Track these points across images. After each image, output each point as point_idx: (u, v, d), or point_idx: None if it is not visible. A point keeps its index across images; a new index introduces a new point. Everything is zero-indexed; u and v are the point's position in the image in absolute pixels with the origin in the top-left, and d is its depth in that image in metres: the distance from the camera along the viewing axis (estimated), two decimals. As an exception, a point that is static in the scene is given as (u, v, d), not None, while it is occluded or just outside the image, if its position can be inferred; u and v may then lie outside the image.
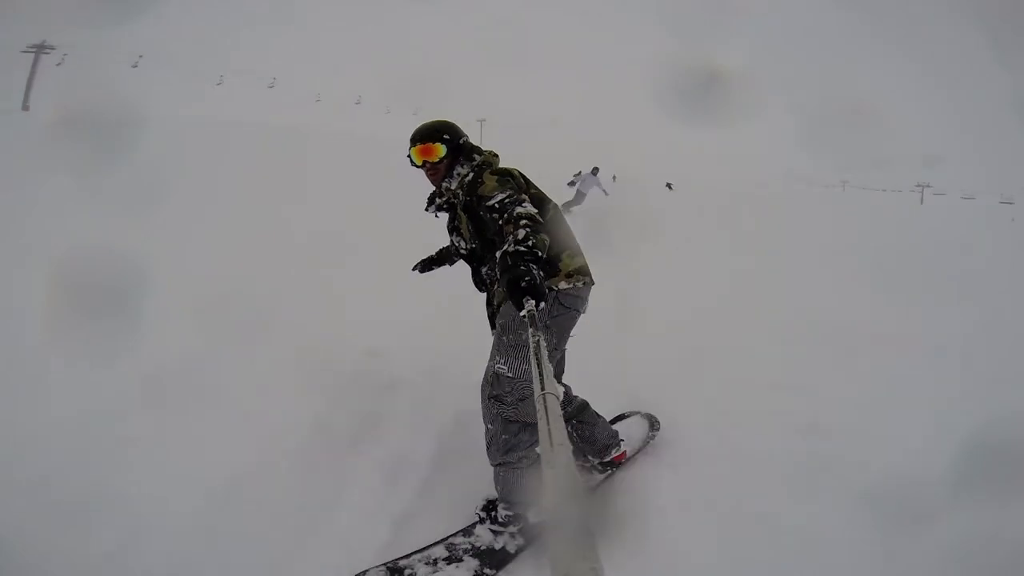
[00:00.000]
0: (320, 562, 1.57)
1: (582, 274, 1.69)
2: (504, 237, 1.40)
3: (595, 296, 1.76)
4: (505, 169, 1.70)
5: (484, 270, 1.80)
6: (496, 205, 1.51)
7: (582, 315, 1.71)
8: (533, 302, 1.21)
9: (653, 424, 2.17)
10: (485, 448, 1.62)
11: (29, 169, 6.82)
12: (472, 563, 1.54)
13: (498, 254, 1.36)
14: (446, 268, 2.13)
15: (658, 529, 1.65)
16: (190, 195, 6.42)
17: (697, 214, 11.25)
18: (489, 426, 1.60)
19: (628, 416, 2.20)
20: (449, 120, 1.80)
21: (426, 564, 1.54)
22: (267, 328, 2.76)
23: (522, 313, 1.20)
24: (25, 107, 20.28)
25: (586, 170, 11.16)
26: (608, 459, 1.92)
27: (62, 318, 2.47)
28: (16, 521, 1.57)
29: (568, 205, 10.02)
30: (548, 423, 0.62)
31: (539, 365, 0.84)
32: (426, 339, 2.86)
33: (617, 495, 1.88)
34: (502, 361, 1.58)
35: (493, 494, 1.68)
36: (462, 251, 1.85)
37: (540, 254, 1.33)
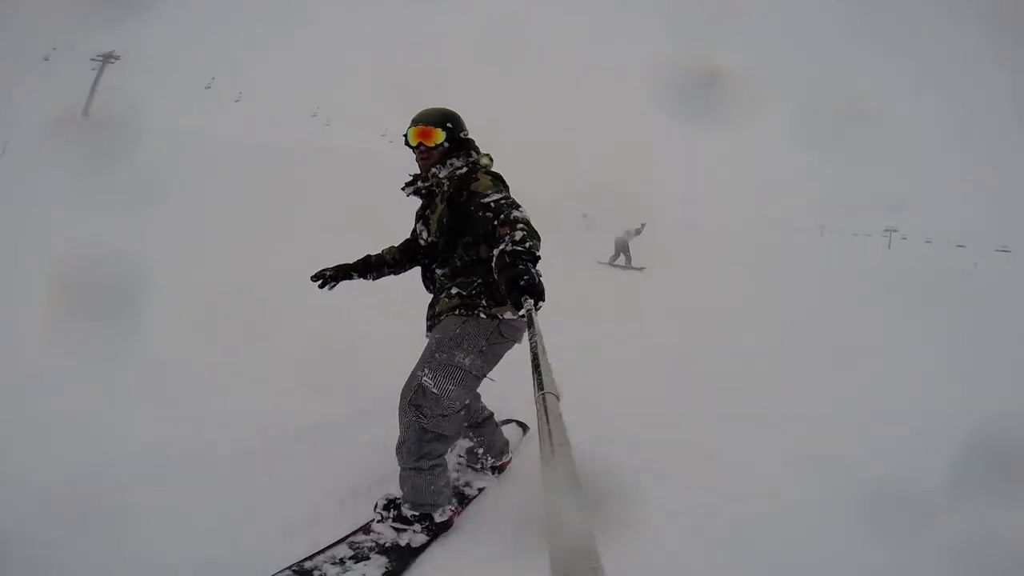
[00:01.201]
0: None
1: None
2: (499, 238, 1.39)
3: (602, 301, 1.76)
4: (499, 174, 1.70)
5: (439, 271, 1.74)
6: (492, 204, 1.50)
7: (517, 344, 1.70)
8: (531, 301, 1.20)
9: (525, 431, 2.34)
10: (395, 448, 1.62)
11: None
12: (380, 560, 1.55)
13: (495, 253, 1.35)
14: (354, 280, 1.92)
15: (658, 529, 1.65)
16: (196, 197, 6.54)
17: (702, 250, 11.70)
18: (403, 431, 1.60)
19: (505, 424, 2.31)
20: (455, 111, 1.78)
21: (333, 564, 1.53)
22: (267, 328, 2.76)
23: (520, 312, 1.19)
24: (86, 113, 21.12)
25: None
26: (499, 463, 2.04)
27: (62, 318, 2.47)
28: (16, 520, 1.57)
29: (622, 262, 10.79)
30: (548, 423, 0.62)
31: (538, 365, 0.83)
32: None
33: (617, 495, 1.88)
34: (429, 376, 1.57)
35: (392, 493, 1.69)
36: (421, 241, 1.81)
37: (538, 255, 1.33)
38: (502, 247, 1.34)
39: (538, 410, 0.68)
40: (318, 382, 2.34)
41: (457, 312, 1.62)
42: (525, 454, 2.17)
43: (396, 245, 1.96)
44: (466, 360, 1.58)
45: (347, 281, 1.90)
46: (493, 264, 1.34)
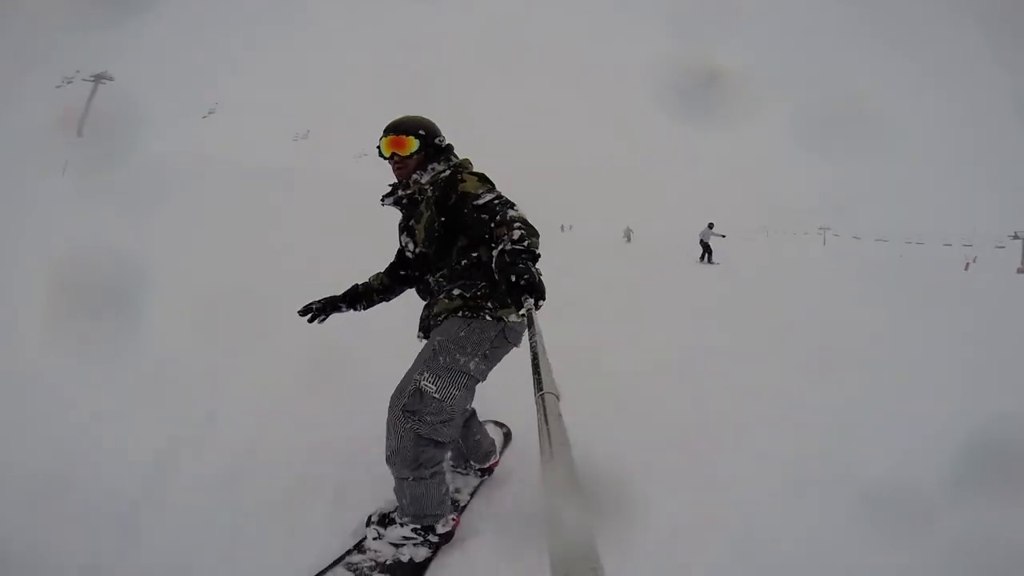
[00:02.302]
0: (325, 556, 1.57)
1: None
2: (497, 239, 1.37)
3: (602, 299, 1.77)
4: (483, 174, 1.66)
5: (433, 278, 1.69)
6: (486, 205, 1.47)
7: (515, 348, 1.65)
8: (532, 300, 1.20)
9: (507, 435, 2.27)
10: (385, 459, 1.51)
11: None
12: None
13: (494, 253, 1.34)
14: (342, 312, 1.88)
15: (657, 530, 1.65)
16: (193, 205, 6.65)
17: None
18: (395, 438, 1.48)
19: (485, 424, 2.22)
20: (429, 119, 1.74)
21: None
22: (267, 329, 2.76)
23: (521, 312, 1.18)
24: (80, 134, 21.22)
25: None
26: (487, 465, 1.97)
27: (62, 318, 2.47)
28: (16, 520, 1.57)
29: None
30: (547, 423, 0.62)
31: (538, 365, 0.83)
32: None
33: (616, 495, 1.88)
34: (430, 379, 1.48)
35: (382, 507, 1.62)
36: (408, 254, 1.76)
37: (538, 253, 1.33)
38: (501, 247, 1.32)
39: (538, 410, 0.68)
40: (318, 383, 2.34)
41: (460, 313, 1.56)
42: (525, 455, 2.17)
43: (382, 271, 1.91)
44: (470, 363, 1.52)
45: (337, 314, 1.85)
46: (493, 264, 1.32)
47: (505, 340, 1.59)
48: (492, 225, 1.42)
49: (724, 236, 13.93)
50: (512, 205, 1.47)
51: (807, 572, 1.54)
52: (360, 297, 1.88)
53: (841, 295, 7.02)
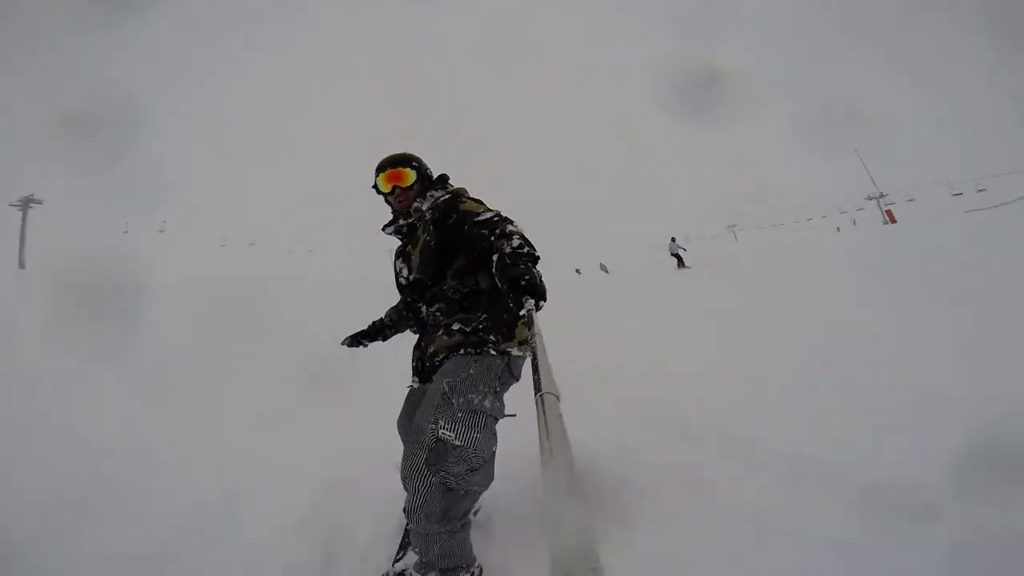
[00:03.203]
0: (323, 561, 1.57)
1: (527, 344, 1.54)
2: (496, 249, 1.39)
3: (597, 297, 1.79)
4: (481, 201, 1.68)
5: (430, 308, 1.64)
6: (485, 221, 1.50)
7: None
8: (532, 301, 1.20)
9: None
10: (405, 512, 1.38)
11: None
12: None
13: (495, 258, 1.35)
14: (378, 342, 1.93)
15: (657, 530, 1.65)
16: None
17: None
18: (418, 495, 1.35)
19: None
20: (413, 153, 1.78)
21: None
22: (268, 330, 2.76)
23: (521, 312, 1.19)
24: (21, 265, 19.41)
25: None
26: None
27: (63, 319, 2.47)
28: (17, 520, 1.57)
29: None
30: (548, 422, 0.62)
31: (538, 365, 0.83)
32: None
33: (617, 496, 1.88)
34: (447, 426, 1.36)
35: (397, 568, 1.53)
36: (402, 280, 1.75)
37: (537, 255, 1.34)
38: (501, 251, 1.34)
39: (538, 410, 0.68)
40: (321, 386, 2.34)
41: (462, 351, 1.50)
42: (525, 455, 2.16)
43: (392, 307, 1.93)
44: (485, 402, 1.42)
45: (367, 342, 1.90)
46: (494, 267, 1.34)
47: (510, 375, 1.53)
48: (492, 239, 1.43)
49: (685, 250, 16.19)
50: (511, 221, 1.49)
51: (807, 572, 1.54)
52: (379, 331, 1.91)
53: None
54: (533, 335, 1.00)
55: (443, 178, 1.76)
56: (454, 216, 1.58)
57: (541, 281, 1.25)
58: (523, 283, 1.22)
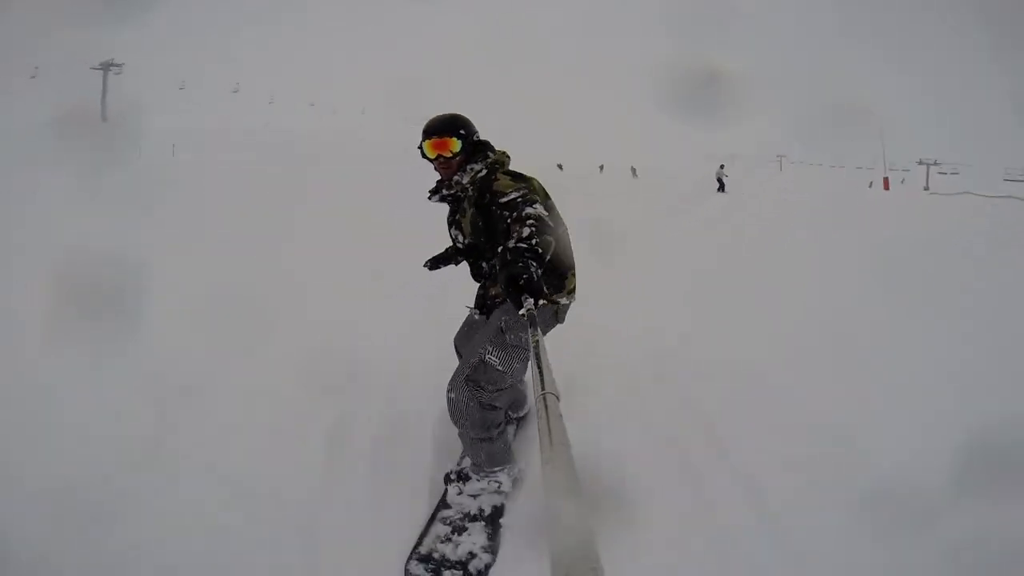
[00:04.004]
0: (329, 562, 1.57)
1: (574, 292, 1.84)
2: (509, 234, 1.40)
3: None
4: (520, 173, 1.72)
5: (487, 264, 1.82)
6: (508, 202, 1.52)
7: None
8: (532, 300, 1.20)
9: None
10: (452, 422, 1.76)
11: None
12: (477, 526, 1.70)
13: (499, 250, 1.36)
14: (451, 266, 2.10)
15: (657, 530, 1.65)
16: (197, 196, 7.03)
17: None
18: (461, 405, 1.71)
19: None
20: (463, 115, 1.80)
21: (443, 542, 1.65)
22: (269, 329, 2.76)
23: (521, 312, 1.19)
24: (104, 118, 22.71)
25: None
26: (521, 414, 2.26)
27: (63, 319, 2.47)
28: (18, 521, 1.57)
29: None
30: (548, 422, 0.62)
31: (539, 364, 0.84)
32: (426, 338, 2.86)
33: (617, 495, 1.88)
34: (495, 353, 1.69)
35: (455, 467, 1.87)
36: (459, 244, 1.87)
37: (541, 252, 1.33)
38: (507, 244, 1.34)
39: (538, 410, 0.68)
40: (324, 381, 2.34)
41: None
42: (525, 455, 2.17)
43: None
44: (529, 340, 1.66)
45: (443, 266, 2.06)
46: (497, 260, 1.35)
47: (556, 319, 1.80)
48: (508, 221, 1.46)
49: (727, 176, 18.09)
50: (532, 203, 1.49)
51: (807, 572, 1.54)
52: (451, 258, 2.04)
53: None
54: (534, 335, 1.00)
55: (484, 147, 1.78)
56: (488, 196, 1.63)
57: (540, 280, 1.25)
58: (521, 283, 1.22)
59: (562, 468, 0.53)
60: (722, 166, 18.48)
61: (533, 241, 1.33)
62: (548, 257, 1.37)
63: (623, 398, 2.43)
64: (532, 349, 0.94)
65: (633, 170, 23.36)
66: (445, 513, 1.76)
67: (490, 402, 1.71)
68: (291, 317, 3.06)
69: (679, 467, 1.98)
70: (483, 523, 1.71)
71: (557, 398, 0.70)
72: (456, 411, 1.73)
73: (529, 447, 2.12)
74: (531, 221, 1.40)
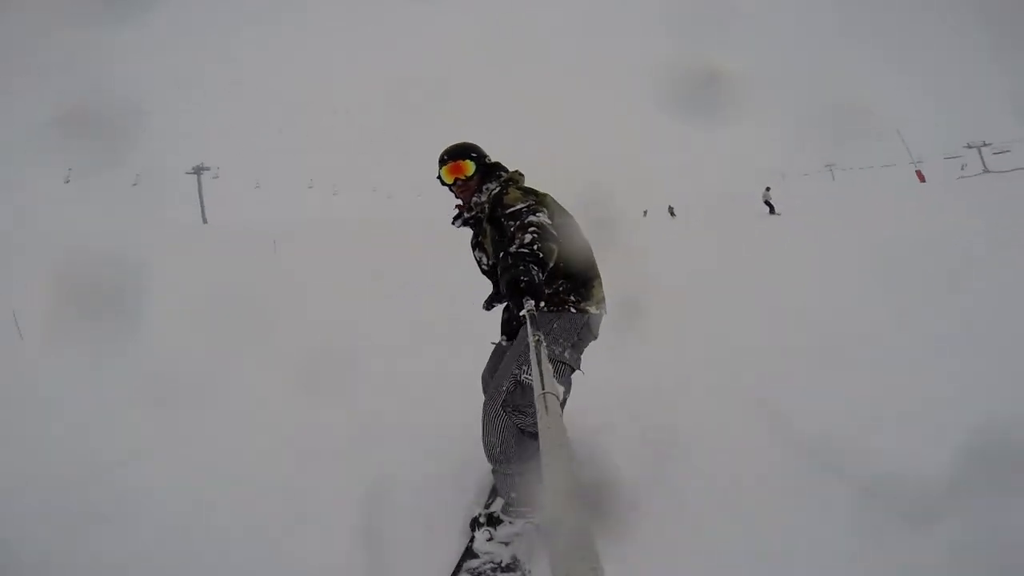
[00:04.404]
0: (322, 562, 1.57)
1: (604, 303, 1.77)
2: (511, 241, 1.41)
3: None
4: (532, 189, 1.74)
5: None
6: (513, 211, 1.56)
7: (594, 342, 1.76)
8: (532, 302, 1.21)
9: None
10: (487, 457, 1.58)
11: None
12: None
13: (501, 255, 1.37)
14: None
15: (657, 530, 1.65)
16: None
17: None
18: (496, 436, 1.55)
19: None
20: (471, 142, 1.88)
21: None
22: (269, 328, 2.76)
23: (521, 313, 1.20)
24: (204, 220, 24.22)
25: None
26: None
27: (63, 319, 2.47)
28: (18, 521, 1.57)
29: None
30: (548, 422, 0.62)
31: (539, 364, 0.84)
32: (427, 340, 2.86)
33: (616, 497, 1.88)
34: (529, 372, 1.54)
35: (485, 510, 1.66)
36: (483, 267, 1.88)
37: (543, 257, 1.34)
38: (509, 249, 1.36)
39: (538, 410, 0.68)
40: (321, 384, 2.34)
41: (546, 309, 1.66)
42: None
43: None
44: (565, 353, 1.63)
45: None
46: (499, 265, 1.35)
47: (589, 331, 1.71)
48: (512, 229, 1.48)
49: (773, 199, 17.91)
50: (536, 211, 1.52)
51: (806, 572, 1.54)
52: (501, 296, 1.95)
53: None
54: (535, 335, 1.00)
55: (496, 168, 1.85)
56: (499, 209, 1.66)
57: (540, 283, 1.26)
58: (522, 285, 1.23)
59: (562, 468, 0.53)
60: (768, 188, 18.40)
61: (535, 247, 1.35)
62: (551, 264, 1.39)
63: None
64: (532, 349, 0.94)
65: (671, 210, 22.39)
66: (471, 563, 1.53)
67: (532, 429, 1.54)
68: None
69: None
70: (519, 574, 1.51)
71: (557, 398, 0.70)
72: (492, 449, 1.56)
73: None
74: (533, 228, 1.42)
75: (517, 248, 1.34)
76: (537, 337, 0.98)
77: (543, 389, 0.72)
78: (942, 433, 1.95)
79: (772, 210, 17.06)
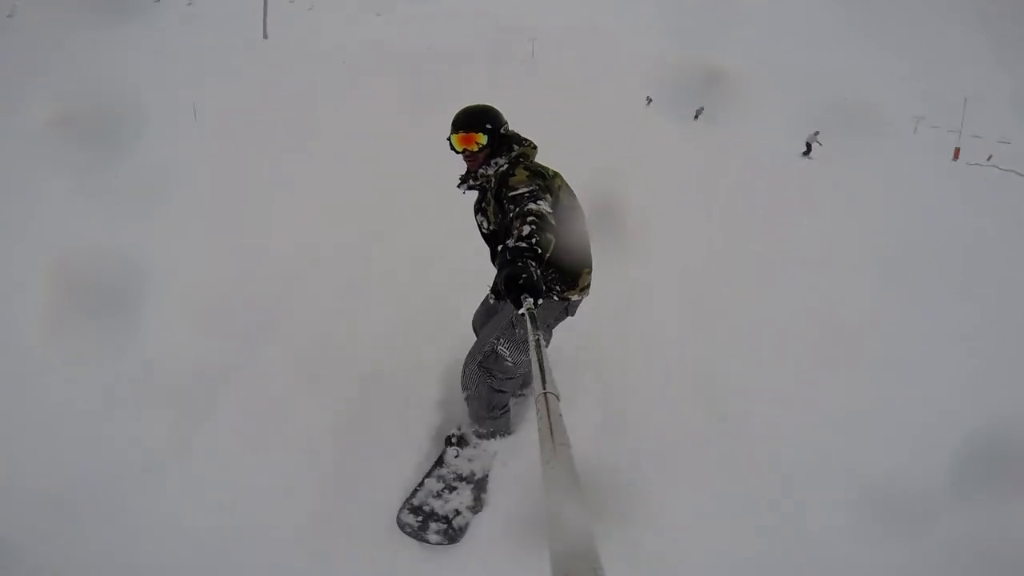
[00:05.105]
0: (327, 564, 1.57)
1: (588, 288, 1.87)
2: (510, 231, 1.39)
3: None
4: (541, 169, 1.73)
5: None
6: (515, 196, 1.53)
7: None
8: (531, 300, 1.19)
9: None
10: (464, 397, 1.93)
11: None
12: (466, 487, 1.84)
13: (499, 248, 1.35)
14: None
15: (657, 531, 1.65)
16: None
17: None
18: (472, 386, 1.88)
19: None
20: (491, 106, 1.84)
21: (435, 497, 1.79)
22: (269, 327, 2.75)
23: (520, 311, 1.18)
24: (265, 36, 22.43)
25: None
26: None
27: (63, 318, 2.46)
28: (17, 521, 1.57)
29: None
30: (549, 422, 0.62)
31: (540, 364, 0.83)
32: (427, 335, 2.86)
33: (616, 497, 1.88)
34: (505, 346, 1.79)
35: (454, 431, 2.01)
36: (483, 231, 1.89)
37: (541, 251, 1.32)
38: (507, 243, 1.33)
39: (539, 410, 0.68)
40: (319, 374, 2.34)
41: None
42: (525, 454, 2.16)
43: None
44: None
45: None
46: (497, 257, 1.34)
47: (566, 313, 1.86)
48: (511, 217, 1.45)
49: (820, 144, 16.71)
50: (537, 199, 1.49)
51: (807, 572, 1.54)
52: None
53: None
54: (535, 335, 1.00)
55: (509, 141, 1.81)
56: (504, 189, 1.64)
57: (539, 280, 1.24)
58: (521, 282, 1.21)
59: (562, 468, 0.53)
60: (816, 132, 17.27)
61: (533, 240, 1.32)
62: (548, 256, 1.36)
63: None
64: (533, 348, 0.93)
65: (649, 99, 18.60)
66: (440, 471, 1.90)
67: (499, 387, 1.87)
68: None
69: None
70: (472, 485, 1.85)
71: (557, 398, 0.70)
72: (467, 383, 1.89)
73: (528, 427, 2.11)
74: (532, 218, 1.38)
75: (515, 242, 1.31)
76: (537, 337, 0.98)
77: (543, 389, 0.72)
78: (942, 433, 1.95)
79: (808, 151, 16.31)
